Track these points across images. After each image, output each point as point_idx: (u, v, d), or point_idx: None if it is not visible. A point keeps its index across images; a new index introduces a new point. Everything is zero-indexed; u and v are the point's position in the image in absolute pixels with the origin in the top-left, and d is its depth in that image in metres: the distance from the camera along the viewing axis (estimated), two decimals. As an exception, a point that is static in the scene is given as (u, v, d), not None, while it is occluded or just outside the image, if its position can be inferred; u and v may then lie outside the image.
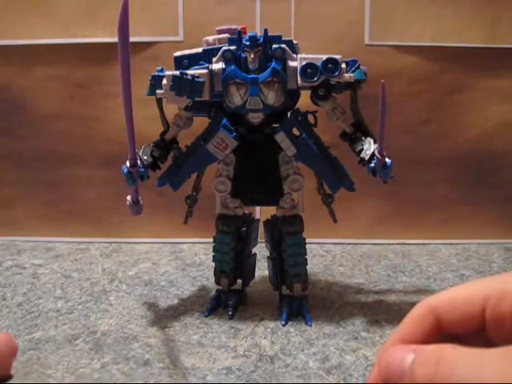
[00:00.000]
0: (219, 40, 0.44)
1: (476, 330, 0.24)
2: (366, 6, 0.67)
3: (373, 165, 0.41)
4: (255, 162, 0.46)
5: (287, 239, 0.46)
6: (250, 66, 0.41)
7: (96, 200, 0.74)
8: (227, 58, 0.42)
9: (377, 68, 0.65)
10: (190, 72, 0.42)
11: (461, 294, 0.25)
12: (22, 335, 0.43)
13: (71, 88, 0.71)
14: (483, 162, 0.72)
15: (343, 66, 0.41)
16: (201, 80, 0.41)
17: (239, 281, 0.50)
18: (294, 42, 0.43)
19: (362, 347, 0.40)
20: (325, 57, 0.41)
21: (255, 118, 0.43)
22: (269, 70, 0.41)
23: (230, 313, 0.46)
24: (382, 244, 0.72)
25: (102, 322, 0.46)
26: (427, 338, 0.24)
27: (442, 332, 0.25)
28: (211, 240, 0.49)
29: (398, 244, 0.72)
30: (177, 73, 0.41)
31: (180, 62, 0.44)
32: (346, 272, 0.59)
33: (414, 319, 0.26)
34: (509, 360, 0.19)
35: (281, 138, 0.43)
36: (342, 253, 0.68)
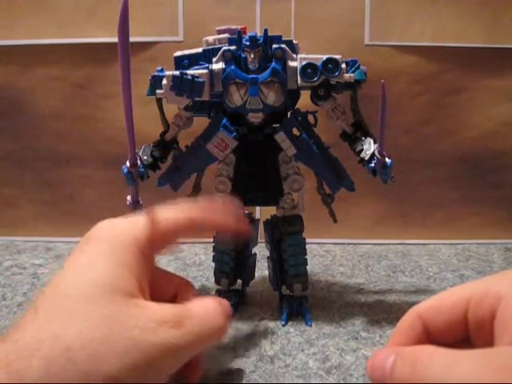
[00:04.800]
0: (219, 40, 0.44)
1: (461, 338, 0.25)
2: (366, 6, 0.67)
3: (373, 165, 0.41)
4: (255, 162, 0.46)
5: (287, 239, 0.46)
6: (250, 66, 0.41)
7: (96, 200, 0.74)
8: (227, 58, 0.42)
9: (377, 68, 0.65)
10: (190, 72, 0.42)
11: (446, 300, 0.26)
12: (21, 335, 0.43)
13: (71, 88, 0.71)
14: (483, 161, 0.72)
15: (343, 66, 0.41)
16: (201, 80, 0.41)
17: (239, 281, 0.50)
18: (294, 42, 0.43)
19: (361, 347, 0.40)
20: (325, 57, 0.41)
21: (255, 117, 0.43)
22: (269, 70, 0.41)
23: (230, 313, 0.46)
24: (382, 244, 0.72)
25: (101, 322, 0.46)
26: (417, 345, 0.24)
27: (431, 339, 0.25)
28: (211, 240, 0.49)
29: (398, 244, 0.72)
30: (177, 73, 0.41)
31: (180, 62, 0.44)
32: (346, 272, 0.60)
33: (403, 327, 0.26)
34: (484, 362, 0.19)
35: (281, 138, 0.43)
36: (342, 253, 0.68)
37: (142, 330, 0.24)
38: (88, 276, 0.25)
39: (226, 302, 0.32)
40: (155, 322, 0.25)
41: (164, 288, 0.33)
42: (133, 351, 0.23)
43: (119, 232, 0.29)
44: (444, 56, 0.69)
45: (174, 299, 0.32)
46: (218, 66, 0.42)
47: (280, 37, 0.42)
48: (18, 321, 0.24)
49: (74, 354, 0.22)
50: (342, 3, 0.68)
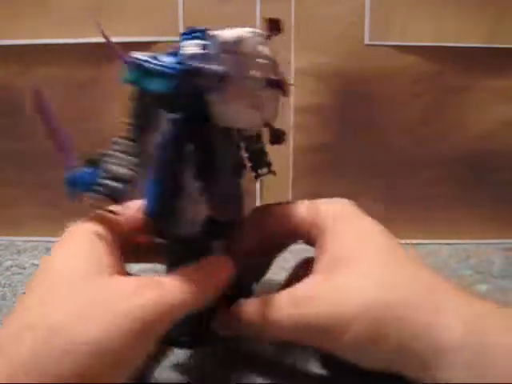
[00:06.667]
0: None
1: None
2: (366, 5, 0.67)
3: None
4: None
5: (287, 239, 0.46)
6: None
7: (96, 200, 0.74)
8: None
9: (377, 68, 0.65)
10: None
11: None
12: (21, 335, 0.43)
13: (71, 88, 0.71)
14: (483, 162, 0.72)
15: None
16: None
17: (239, 281, 0.50)
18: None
19: (362, 347, 0.40)
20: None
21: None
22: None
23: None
24: (382, 244, 0.71)
25: (101, 322, 0.46)
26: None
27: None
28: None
29: (398, 244, 0.71)
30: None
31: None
32: (346, 272, 0.59)
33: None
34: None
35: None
36: (342, 253, 0.68)
37: (125, 295, 0.26)
38: (75, 263, 0.28)
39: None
40: (137, 287, 0.27)
41: None
42: (118, 316, 0.24)
43: (99, 225, 0.36)
44: (444, 56, 0.68)
45: None
46: (218, 66, 0.42)
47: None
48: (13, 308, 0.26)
49: (59, 330, 0.23)
50: (342, 3, 0.68)
